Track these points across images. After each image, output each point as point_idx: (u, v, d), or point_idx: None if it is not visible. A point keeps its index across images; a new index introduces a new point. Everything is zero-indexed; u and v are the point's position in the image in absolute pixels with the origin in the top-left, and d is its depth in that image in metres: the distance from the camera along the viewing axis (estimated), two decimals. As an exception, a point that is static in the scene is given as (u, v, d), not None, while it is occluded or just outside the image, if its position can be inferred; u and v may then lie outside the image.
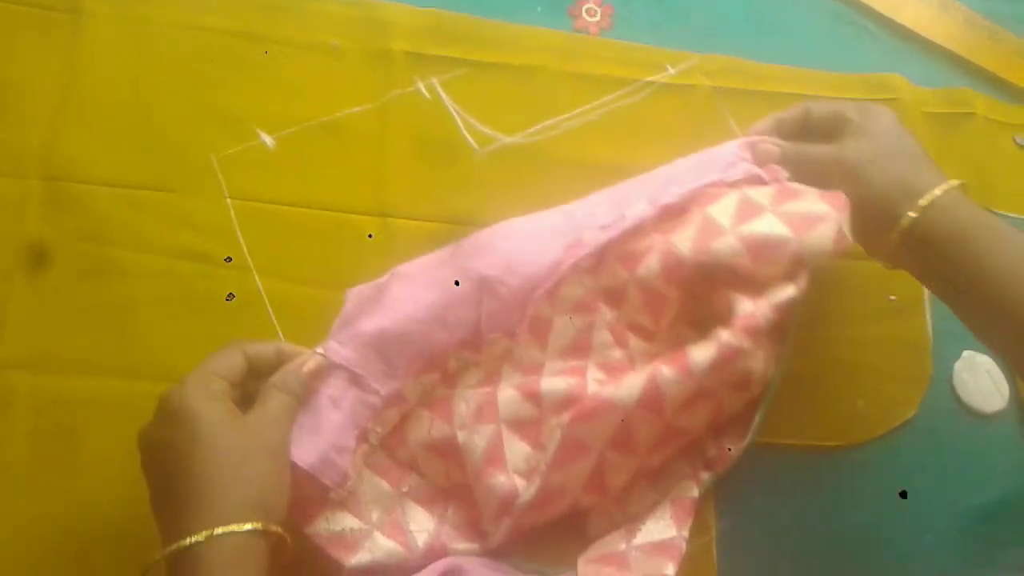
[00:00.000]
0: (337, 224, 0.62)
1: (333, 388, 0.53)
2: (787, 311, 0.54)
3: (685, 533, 0.52)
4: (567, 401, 0.53)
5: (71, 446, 0.55)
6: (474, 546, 0.53)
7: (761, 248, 0.53)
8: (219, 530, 0.44)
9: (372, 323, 0.53)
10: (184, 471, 0.45)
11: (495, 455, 0.53)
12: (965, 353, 0.65)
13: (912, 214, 0.54)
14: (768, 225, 0.54)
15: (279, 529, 0.47)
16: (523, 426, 0.54)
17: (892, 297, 0.65)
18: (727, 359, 0.51)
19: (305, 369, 0.52)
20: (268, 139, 0.64)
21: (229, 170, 0.62)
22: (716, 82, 0.69)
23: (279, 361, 0.52)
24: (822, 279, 0.65)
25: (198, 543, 0.44)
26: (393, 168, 0.64)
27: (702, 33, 0.72)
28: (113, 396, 0.56)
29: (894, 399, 0.64)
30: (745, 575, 0.58)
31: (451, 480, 0.55)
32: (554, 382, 0.54)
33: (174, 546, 0.44)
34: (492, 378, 0.57)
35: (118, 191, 0.61)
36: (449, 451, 0.54)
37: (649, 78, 0.69)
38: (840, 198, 0.55)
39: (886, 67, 0.72)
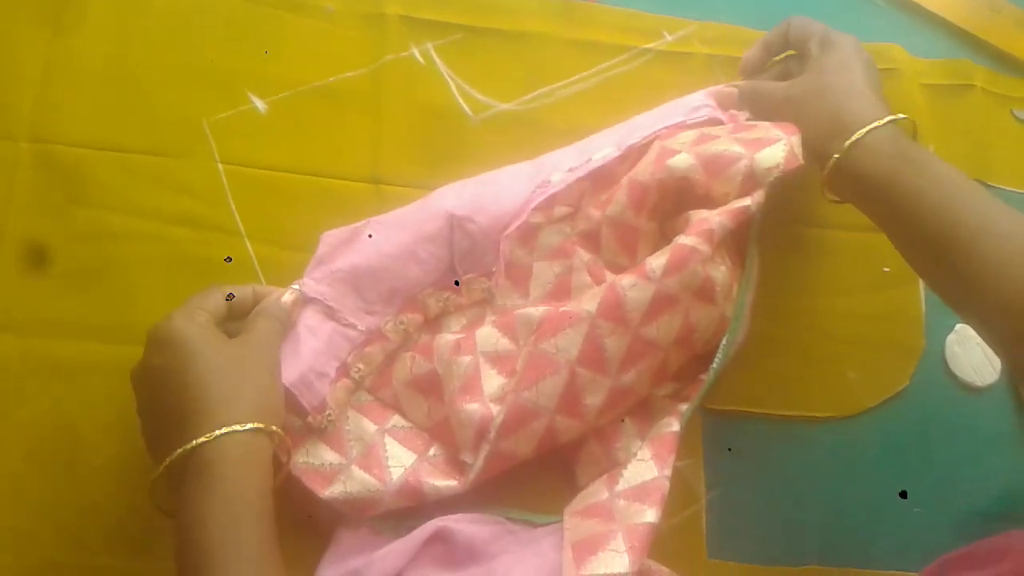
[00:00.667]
0: (329, 190, 0.62)
1: (310, 319, 0.54)
2: (744, 222, 0.56)
3: (668, 472, 0.53)
4: (538, 326, 0.55)
5: (62, 411, 0.55)
6: (453, 483, 0.54)
7: (714, 162, 0.56)
8: (223, 430, 0.45)
9: (345, 260, 0.55)
10: (180, 390, 0.46)
11: (472, 384, 0.54)
12: (958, 326, 0.65)
13: (837, 154, 0.54)
14: (722, 145, 0.56)
15: (280, 430, 0.48)
16: (500, 359, 0.55)
17: (886, 269, 0.65)
18: (682, 258, 0.53)
19: (283, 300, 0.53)
20: (260, 103, 0.63)
21: (221, 135, 0.62)
22: (713, 50, 0.69)
23: (256, 301, 0.53)
24: (815, 249, 0.65)
25: (203, 444, 0.44)
26: (387, 134, 0.64)
27: (700, 0, 0.71)
28: (104, 360, 0.56)
29: (886, 371, 0.64)
30: (734, 545, 0.59)
31: (433, 420, 0.56)
32: (528, 310, 0.56)
33: (179, 450, 0.44)
34: (475, 325, 0.58)
35: (109, 155, 0.60)
36: (429, 386, 0.56)
37: (646, 45, 0.69)
38: (792, 126, 0.57)
39: (885, 37, 0.72)
